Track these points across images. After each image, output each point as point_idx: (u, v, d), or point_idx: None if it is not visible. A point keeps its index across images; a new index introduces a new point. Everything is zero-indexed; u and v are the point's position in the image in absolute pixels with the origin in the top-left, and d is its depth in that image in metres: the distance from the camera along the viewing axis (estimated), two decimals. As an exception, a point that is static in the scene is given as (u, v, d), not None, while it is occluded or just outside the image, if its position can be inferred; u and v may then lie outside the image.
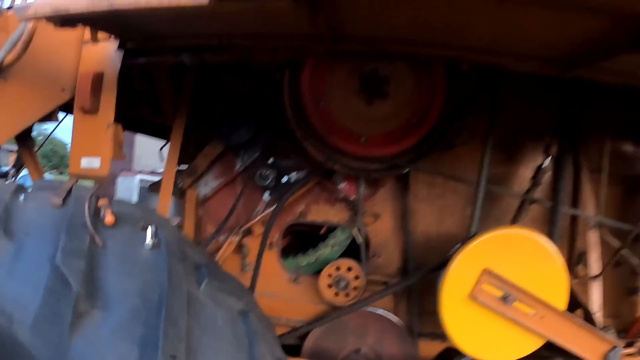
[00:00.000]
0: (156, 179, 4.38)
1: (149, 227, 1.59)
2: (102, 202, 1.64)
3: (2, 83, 1.90)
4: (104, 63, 2.07)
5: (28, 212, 1.53)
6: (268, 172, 2.44)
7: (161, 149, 3.16)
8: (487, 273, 2.03)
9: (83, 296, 1.28)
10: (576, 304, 2.29)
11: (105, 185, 2.60)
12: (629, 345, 2.66)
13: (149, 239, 1.54)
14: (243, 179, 2.57)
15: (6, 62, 1.85)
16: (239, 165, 2.56)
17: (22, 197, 1.61)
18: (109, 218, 1.52)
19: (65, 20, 1.56)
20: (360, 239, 2.52)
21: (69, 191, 1.64)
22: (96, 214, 1.54)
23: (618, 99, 2.25)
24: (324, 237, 2.66)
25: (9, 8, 2.15)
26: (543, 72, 1.89)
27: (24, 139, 2.53)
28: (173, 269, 1.47)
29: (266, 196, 2.52)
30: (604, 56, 1.63)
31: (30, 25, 1.89)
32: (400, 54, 1.99)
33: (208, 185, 2.60)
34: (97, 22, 1.71)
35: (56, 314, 1.28)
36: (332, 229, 2.69)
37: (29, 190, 1.70)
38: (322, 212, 2.58)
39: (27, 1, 1.99)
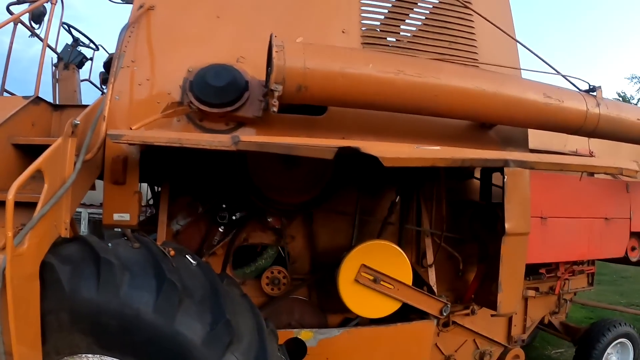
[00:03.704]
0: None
1: (187, 254, 3.08)
2: (159, 242, 3.08)
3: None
4: (126, 150, 3.32)
5: (123, 252, 2.89)
6: (224, 213, 3.95)
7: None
8: (363, 266, 3.74)
9: (182, 292, 2.73)
10: (422, 282, 4.11)
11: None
12: (465, 308, 4.58)
13: (192, 260, 3.03)
14: (204, 219, 4.05)
15: (85, 159, 2.99)
16: (200, 210, 4.03)
17: (110, 244, 2.97)
18: (172, 252, 2.97)
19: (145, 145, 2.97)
20: (283, 252, 4.15)
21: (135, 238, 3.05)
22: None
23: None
24: (260, 253, 4.20)
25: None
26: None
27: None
28: (212, 274, 2.98)
29: (221, 229, 4.03)
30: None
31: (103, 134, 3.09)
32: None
33: (179, 223, 4.01)
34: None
35: (168, 302, 2.68)
36: (264, 247, 4.21)
37: (106, 239, 3.05)
38: (258, 237, 4.15)
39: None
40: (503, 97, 3.56)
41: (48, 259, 2.68)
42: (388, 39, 3.96)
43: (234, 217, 4.01)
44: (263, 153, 3.36)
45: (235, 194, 3.99)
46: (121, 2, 6.14)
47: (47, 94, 4.09)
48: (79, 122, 2.99)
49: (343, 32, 3.71)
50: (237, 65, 3.44)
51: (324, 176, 3.94)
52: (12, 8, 4.49)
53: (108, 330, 2.64)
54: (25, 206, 2.81)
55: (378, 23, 4.00)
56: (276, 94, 2.81)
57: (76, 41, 5.45)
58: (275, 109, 2.87)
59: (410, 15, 4.12)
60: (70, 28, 5.43)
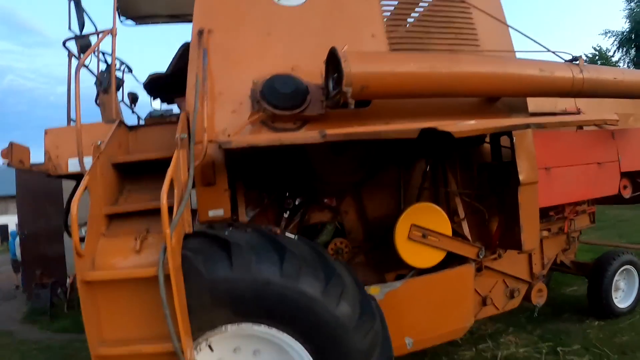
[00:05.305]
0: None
1: (287, 232, 4.05)
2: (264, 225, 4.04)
3: None
4: (213, 155, 4.13)
5: (240, 236, 3.78)
6: (289, 201, 4.92)
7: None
8: (413, 225, 4.74)
9: (301, 258, 3.65)
10: (458, 233, 5.15)
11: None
12: (493, 253, 5.62)
13: (292, 236, 4.00)
14: (271, 208, 5.00)
15: (195, 166, 3.79)
16: (266, 201, 4.98)
17: (225, 232, 3.87)
18: (278, 231, 3.92)
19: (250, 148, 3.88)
20: (340, 227, 5.16)
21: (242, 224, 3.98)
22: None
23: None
24: (320, 230, 5.14)
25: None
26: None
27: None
28: (313, 243, 3.96)
29: (286, 214, 4.99)
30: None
31: (206, 142, 3.92)
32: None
33: (249, 215, 4.92)
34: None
35: (291, 268, 3.54)
36: (323, 224, 5.17)
37: (221, 228, 3.94)
38: (317, 216, 5.13)
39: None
40: (508, 75, 4.60)
41: (183, 253, 3.37)
42: (405, 37, 4.94)
43: (296, 203, 4.98)
44: (322, 144, 4.32)
45: (294, 183, 4.94)
46: (133, 24, 7.00)
47: (88, 117, 4.72)
48: (185, 136, 3.86)
49: (373, 36, 4.68)
50: (293, 73, 4.37)
51: (369, 158, 4.93)
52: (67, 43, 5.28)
53: (244, 300, 3.37)
54: (140, 215, 3.73)
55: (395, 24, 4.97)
56: (348, 94, 3.78)
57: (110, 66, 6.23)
58: (352, 106, 3.84)
59: (416, 14, 5.11)
60: (104, 55, 6.22)
